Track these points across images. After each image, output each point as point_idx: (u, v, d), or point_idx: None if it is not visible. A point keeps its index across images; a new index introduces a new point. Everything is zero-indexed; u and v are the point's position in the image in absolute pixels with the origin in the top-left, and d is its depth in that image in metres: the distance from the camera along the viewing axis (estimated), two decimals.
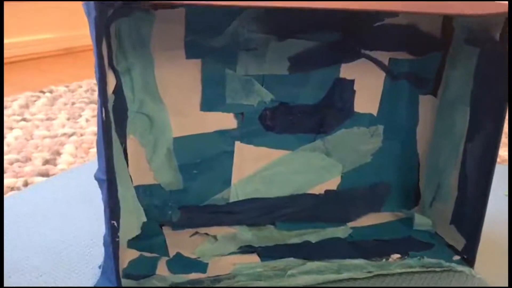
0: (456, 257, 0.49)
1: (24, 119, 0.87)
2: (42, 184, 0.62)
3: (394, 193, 0.57)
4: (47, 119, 0.88)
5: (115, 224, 0.40)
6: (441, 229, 0.53)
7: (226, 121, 0.51)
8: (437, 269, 0.48)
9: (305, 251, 0.49)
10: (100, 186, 0.40)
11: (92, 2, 0.34)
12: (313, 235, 0.52)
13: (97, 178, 0.39)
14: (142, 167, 0.50)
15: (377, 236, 0.52)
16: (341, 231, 0.53)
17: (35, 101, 0.98)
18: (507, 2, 0.42)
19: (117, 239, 0.40)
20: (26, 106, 0.94)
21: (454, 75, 0.50)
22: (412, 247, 0.50)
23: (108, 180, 0.38)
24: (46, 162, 0.70)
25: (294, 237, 0.52)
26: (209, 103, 0.50)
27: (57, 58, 1.39)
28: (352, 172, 0.55)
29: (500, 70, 0.44)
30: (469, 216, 0.48)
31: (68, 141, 0.78)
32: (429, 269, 0.47)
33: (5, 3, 1.22)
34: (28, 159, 0.71)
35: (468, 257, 0.48)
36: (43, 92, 1.03)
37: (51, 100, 0.99)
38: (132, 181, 0.47)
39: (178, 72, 0.48)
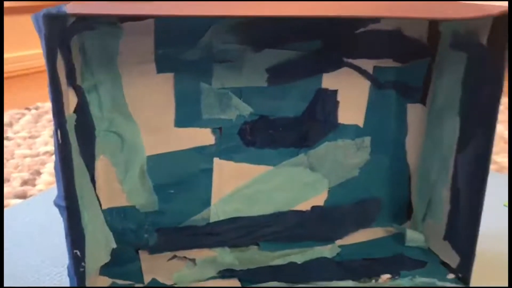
0: (451, 276, 0.46)
1: (6, 138, 0.85)
2: (17, 207, 0.60)
3: (385, 208, 0.54)
4: (30, 137, 0.86)
5: (78, 253, 0.37)
6: (435, 245, 0.50)
7: (203, 137, 0.48)
8: None
9: (290, 274, 0.46)
10: (61, 213, 0.37)
11: (41, 17, 0.32)
12: (299, 256, 0.49)
13: (56, 204, 0.37)
14: (114, 188, 0.47)
15: (366, 254, 0.49)
16: (328, 250, 0.50)
17: (19, 118, 0.96)
18: (494, 4, 0.39)
19: (81, 269, 0.38)
20: (10, 124, 0.92)
21: (441, 82, 0.47)
22: (404, 265, 0.47)
23: (68, 207, 0.36)
24: (25, 183, 0.68)
25: (278, 258, 0.49)
26: (184, 119, 0.47)
27: (45, 73, 1.37)
28: (339, 187, 0.52)
29: (488, 75, 0.41)
30: (463, 231, 0.45)
31: (50, 159, 0.76)
32: None
33: None
34: (6, 180, 0.69)
35: (463, 276, 0.45)
36: (29, 109, 1.01)
37: (35, 117, 0.96)
38: (101, 205, 0.44)
39: (149, 88, 0.46)
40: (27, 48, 1.34)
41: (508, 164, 0.72)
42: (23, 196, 0.64)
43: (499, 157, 0.80)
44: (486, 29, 0.40)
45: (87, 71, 0.43)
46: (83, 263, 0.38)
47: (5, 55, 1.28)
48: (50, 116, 0.97)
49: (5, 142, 0.83)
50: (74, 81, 0.40)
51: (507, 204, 0.61)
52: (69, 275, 0.39)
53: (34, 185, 0.67)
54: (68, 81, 0.38)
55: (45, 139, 0.84)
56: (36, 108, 1.02)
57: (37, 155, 0.78)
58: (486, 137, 0.42)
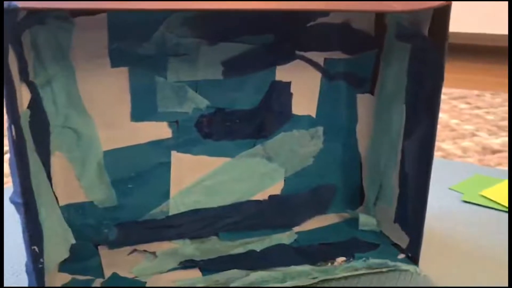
0: (401, 256, 0.49)
1: None
2: None
3: (339, 194, 0.56)
4: None
5: (36, 249, 0.37)
6: (386, 228, 0.52)
7: (159, 130, 0.49)
8: (383, 270, 0.47)
9: (249, 261, 0.48)
10: (18, 210, 0.36)
11: None
12: (258, 244, 0.50)
13: (12, 201, 0.36)
14: (71, 184, 0.47)
15: (322, 239, 0.51)
16: (286, 237, 0.52)
17: None
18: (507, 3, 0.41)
19: (40, 266, 0.37)
20: None
21: (388, 72, 0.50)
22: (358, 248, 0.50)
23: (25, 204, 0.35)
24: None
25: (238, 247, 0.50)
26: (140, 113, 0.48)
27: None
28: (295, 176, 0.54)
29: (431, 65, 0.43)
30: (412, 213, 0.48)
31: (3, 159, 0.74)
32: (375, 270, 0.47)
33: None
34: None
35: (413, 255, 0.48)
36: None
37: None
38: (58, 201, 0.44)
39: (104, 82, 0.46)
40: None
41: (508, 164, 0.75)
42: None
43: (444, 144, 0.84)
44: (427, 20, 0.43)
45: (39, 66, 0.42)
46: (41, 259, 0.38)
47: None
48: None
49: None
50: (26, 76, 0.40)
51: (454, 188, 0.64)
52: (27, 271, 0.38)
53: None
54: (21, 77, 0.38)
55: None
56: None
57: None
58: (430, 123, 0.44)
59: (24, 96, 0.38)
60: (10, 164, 0.36)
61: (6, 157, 0.75)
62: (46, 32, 0.42)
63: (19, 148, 0.35)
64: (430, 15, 0.42)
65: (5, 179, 0.67)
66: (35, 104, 0.41)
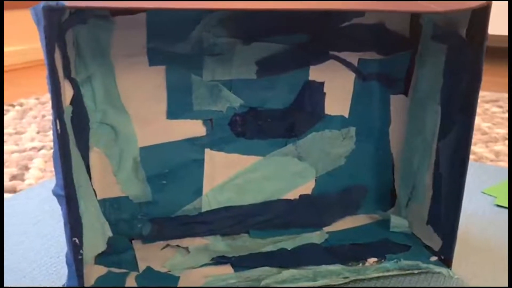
0: (433, 258, 0.48)
1: None
2: (8, 201, 0.60)
3: (370, 195, 0.56)
4: (16, 133, 0.86)
5: (77, 241, 0.38)
6: (418, 230, 0.52)
7: (194, 128, 0.50)
8: (415, 271, 0.47)
9: (280, 259, 0.48)
10: (60, 202, 0.38)
11: (40, 10, 0.33)
12: (288, 242, 0.51)
13: (55, 194, 0.38)
14: (108, 179, 0.48)
15: (353, 240, 0.51)
16: (316, 237, 0.52)
17: (4, 114, 0.95)
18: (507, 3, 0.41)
19: (79, 257, 0.38)
20: None
21: (423, 73, 0.49)
22: (389, 249, 0.49)
23: (67, 196, 0.37)
24: (13, 177, 0.68)
25: (268, 245, 0.50)
26: (175, 111, 0.49)
27: (28, 70, 1.36)
28: (326, 176, 0.54)
29: (467, 66, 0.43)
30: (445, 216, 0.48)
31: (37, 155, 0.76)
32: (406, 272, 0.46)
33: None
34: None
35: (445, 258, 0.47)
36: (13, 106, 1.00)
37: (20, 114, 0.96)
38: (96, 195, 0.45)
39: (142, 80, 0.47)
40: (8, 45, 1.32)
41: (508, 164, 0.74)
42: (12, 190, 0.64)
43: (476, 147, 0.82)
44: (465, 21, 0.42)
45: (80, 64, 0.44)
46: (81, 251, 0.39)
47: None
48: (34, 112, 0.97)
49: None
50: (69, 73, 0.41)
51: (486, 192, 0.63)
52: (67, 262, 0.39)
53: (23, 180, 0.68)
54: (64, 73, 0.39)
55: (32, 135, 0.84)
56: (20, 105, 1.01)
57: (24, 150, 0.78)
58: (466, 124, 0.44)
59: (67, 92, 0.40)
60: (53, 158, 0.37)
61: (6, 157, 0.77)
62: (87, 30, 0.43)
63: (63, 142, 0.36)
64: (468, 15, 0.42)
65: (38, 175, 0.69)
66: (77, 100, 0.42)
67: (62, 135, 0.36)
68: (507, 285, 0.45)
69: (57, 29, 0.35)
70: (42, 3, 0.33)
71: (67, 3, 0.33)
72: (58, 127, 0.35)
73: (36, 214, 0.56)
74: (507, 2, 1.32)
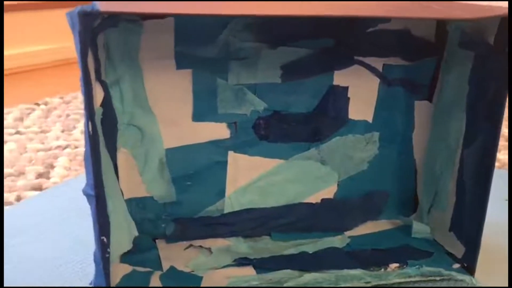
0: (456, 265, 0.48)
1: (18, 132, 0.86)
2: (35, 199, 0.61)
3: (392, 200, 0.56)
4: (41, 131, 0.87)
5: (105, 239, 0.39)
6: (440, 236, 0.52)
7: (219, 131, 0.50)
8: (437, 278, 0.47)
9: (302, 262, 0.48)
10: (89, 201, 0.39)
11: (75, 14, 0.34)
12: (310, 246, 0.51)
13: (85, 193, 0.38)
14: (134, 180, 0.49)
15: (375, 245, 0.51)
16: (338, 241, 0.52)
17: (29, 113, 0.97)
18: (501, 5, 0.41)
19: (107, 255, 0.39)
20: (21, 119, 0.93)
21: (449, 80, 0.49)
22: (411, 255, 0.49)
23: (97, 195, 0.38)
24: (39, 175, 0.70)
25: (290, 248, 0.51)
26: (201, 113, 0.49)
27: (53, 69, 1.38)
28: (349, 180, 0.54)
29: (495, 73, 0.43)
30: (468, 223, 0.47)
31: (62, 153, 0.78)
32: (428, 278, 0.46)
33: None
34: (21, 173, 0.70)
35: (468, 265, 0.47)
36: (38, 104, 1.02)
37: (45, 112, 0.98)
38: (123, 195, 0.46)
39: (169, 83, 0.48)
40: (34, 45, 1.35)
41: (508, 160, 0.74)
42: (39, 188, 0.66)
43: (500, 154, 0.82)
44: (493, 29, 0.42)
45: (110, 66, 0.45)
46: (108, 249, 0.40)
47: (13, 51, 1.29)
48: (59, 111, 0.99)
49: (17, 136, 0.84)
50: (100, 76, 0.42)
51: (507, 198, 0.63)
52: (95, 260, 0.40)
53: (48, 178, 0.69)
54: (96, 76, 0.40)
55: (56, 134, 0.86)
56: (45, 104, 1.03)
57: (50, 149, 0.79)
58: (493, 132, 0.44)
59: (97, 94, 0.41)
60: (84, 158, 0.38)
61: (33, 155, 0.79)
62: (117, 34, 0.44)
63: (94, 143, 0.37)
64: (496, 23, 0.42)
65: (78, 169, 0.71)
66: (106, 102, 0.43)
67: (94, 136, 0.37)
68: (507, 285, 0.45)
69: (90, 33, 0.36)
70: (77, 8, 0.34)
71: (101, 8, 0.34)
72: (90, 129, 0.36)
73: (62, 212, 0.58)
74: (507, 2, 1.30)
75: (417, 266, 0.47)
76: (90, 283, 0.43)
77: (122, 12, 0.35)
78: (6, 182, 0.67)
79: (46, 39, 1.37)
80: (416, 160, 0.55)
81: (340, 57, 0.51)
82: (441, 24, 0.49)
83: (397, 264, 0.48)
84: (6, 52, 1.27)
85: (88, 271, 0.47)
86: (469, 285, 0.46)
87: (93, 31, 0.39)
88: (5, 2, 1.24)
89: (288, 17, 0.44)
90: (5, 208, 0.60)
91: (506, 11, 0.40)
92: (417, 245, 0.51)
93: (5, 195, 0.63)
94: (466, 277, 0.46)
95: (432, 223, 0.53)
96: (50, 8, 1.37)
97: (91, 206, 0.38)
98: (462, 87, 0.47)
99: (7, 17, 1.26)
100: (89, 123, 0.36)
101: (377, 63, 0.51)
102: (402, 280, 0.46)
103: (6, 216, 0.57)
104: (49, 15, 1.36)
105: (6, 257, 0.49)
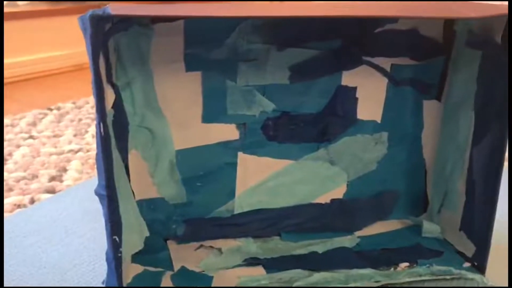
0: (467, 264, 0.48)
1: (31, 137, 0.88)
2: (48, 201, 0.63)
3: (401, 200, 0.56)
4: (54, 136, 0.89)
5: (117, 239, 0.39)
6: (450, 235, 0.52)
7: (228, 132, 0.51)
8: (447, 277, 0.47)
9: (312, 262, 0.48)
10: (101, 201, 0.39)
11: (87, 18, 0.34)
12: (320, 246, 0.51)
13: (97, 193, 0.39)
14: (145, 181, 0.50)
15: (384, 244, 0.52)
16: (348, 241, 0.52)
17: (42, 118, 0.99)
18: (506, 4, 0.41)
19: (119, 255, 0.40)
20: (34, 123, 0.95)
21: (457, 79, 0.49)
22: (421, 255, 0.49)
23: (109, 196, 0.38)
24: (52, 179, 0.71)
25: (300, 248, 0.51)
26: (210, 115, 0.50)
27: (66, 75, 1.40)
28: (358, 181, 0.55)
29: (503, 72, 0.43)
30: (478, 222, 0.47)
31: (74, 157, 0.79)
32: (438, 277, 0.46)
33: (12, 21, 1.24)
34: (34, 176, 0.71)
35: (479, 264, 0.47)
36: (51, 109, 1.04)
37: (58, 117, 0.99)
38: (134, 196, 0.47)
39: (179, 85, 0.48)
40: (46, 51, 1.37)
41: (508, 163, 0.73)
42: (52, 191, 0.67)
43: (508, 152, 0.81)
44: (500, 27, 0.42)
45: (121, 69, 0.46)
46: (120, 249, 0.40)
47: (27, 58, 1.31)
48: (71, 116, 1.00)
49: (30, 141, 0.86)
50: (111, 78, 0.43)
51: None
52: (107, 260, 0.41)
53: (61, 181, 0.70)
54: (107, 79, 0.41)
55: (69, 138, 0.87)
56: (58, 109, 1.05)
57: (62, 153, 0.80)
58: (501, 131, 0.44)
59: (109, 96, 0.41)
60: (96, 160, 0.39)
61: (46, 158, 0.80)
62: (128, 37, 0.45)
63: (106, 145, 0.37)
64: (504, 22, 0.42)
65: (90, 172, 0.72)
66: (117, 104, 0.44)
67: (106, 138, 0.37)
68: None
69: (102, 36, 0.37)
70: (89, 11, 0.34)
71: (113, 12, 0.34)
72: (102, 130, 0.37)
73: (75, 214, 0.59)
74: (507, 2, 1.30)
75: (427, 265, 0.47)
76: (102, 283, 0.44)
77: (133, 15, 0.36)
78: (20, 185, 0.68)
79: (58, 45, 1.39)
80: (425, 159, 0.55)
81: (348, 58, 0.51)
82: (449, 24, 0.50)
83: (407, 264, 0.48)
84: (19, 59, 1.29)
85: (99, 271, 0.47)
86: (479, 284, 0.46)
87: (104, 34, 0.39)
88: (17, 10, 1.27)
89: (296, 18, 0.45)
90: (19, 210, 0.61)
91: None
92: (427, 245, 0.51)
93: (19, 197, 0.64)
94: (477, 276, 0.46)
95: (442, 223, 0.53)
96: (62, 15, 1.39)
97: (103, 206, 0.39)
98: (470, 86, 0.47)
99: (20, 24, 1.28)
100: (101, 124, 0.37)
101: (385, 63, 0.52)
102: (412, 279, 0.46)
103: (20, 218, 0.58)
104: (61, 22, 1.38)
105: (20, 258, 0.49)
